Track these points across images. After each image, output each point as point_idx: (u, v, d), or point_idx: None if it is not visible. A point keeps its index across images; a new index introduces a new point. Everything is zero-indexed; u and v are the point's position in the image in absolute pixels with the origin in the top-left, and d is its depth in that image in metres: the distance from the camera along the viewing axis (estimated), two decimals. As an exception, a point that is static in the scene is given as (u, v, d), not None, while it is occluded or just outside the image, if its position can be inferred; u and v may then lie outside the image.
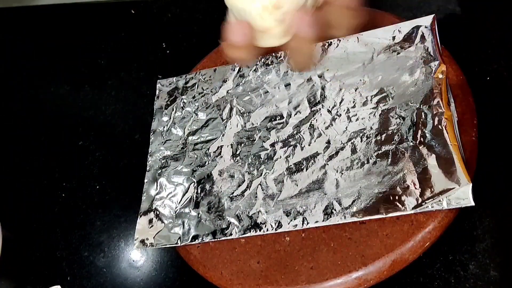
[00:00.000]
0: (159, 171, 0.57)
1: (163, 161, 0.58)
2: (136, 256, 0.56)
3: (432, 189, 0.44)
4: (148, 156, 0.59)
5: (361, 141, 0.50)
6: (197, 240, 0.51)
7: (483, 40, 0.55)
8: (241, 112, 0.58)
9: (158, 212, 0.54)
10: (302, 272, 0.45)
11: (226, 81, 0.61)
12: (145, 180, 0.57)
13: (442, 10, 0.58)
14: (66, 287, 0.56)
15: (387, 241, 0.44)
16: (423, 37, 0.52)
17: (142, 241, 0.53)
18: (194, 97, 0.62)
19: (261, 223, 0.49)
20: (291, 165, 0.51)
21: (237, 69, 0.61)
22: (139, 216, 0.55)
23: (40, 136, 0.70)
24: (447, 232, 0.44)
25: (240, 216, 0.50)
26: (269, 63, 0.59)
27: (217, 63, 0.63)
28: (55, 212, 0.62)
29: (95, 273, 0.56)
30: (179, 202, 0.54)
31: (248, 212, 0.50)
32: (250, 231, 0.49)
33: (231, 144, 0.56)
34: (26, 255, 0.59)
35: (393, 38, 0.54)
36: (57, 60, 0.79)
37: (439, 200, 0.43)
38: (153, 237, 0.53)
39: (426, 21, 0.53)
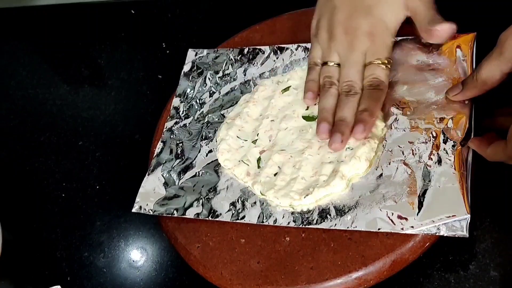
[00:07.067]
0: (172, 142, 0.58)
1: (177, 133, 0.58)
2: (136, 256, 0.56)
3: (430, 213, 0.43)
4: (169, 122, 0.59)
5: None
6: (191, 215, 0.51)
7: (483, 39, 0.55)
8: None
9: (163, 181, 0.55)
10: (302, 272, 0.45)
11: (255, 63, 0.61)
12: (158, 145, 0.58)
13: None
14: (66, 287, 0.56)
15: (387, 241, 0.44)
16: (458, 57, 0.50)
17: (141, 207, 0.53)
18: (220, 74, 0.62)
19: (256, 214, 0.49)
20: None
21: (267, 53, 0.61)
22: (146, 176, 0.55)
23: (40, 136, 0.70)
24: (447, 232, 0.44)
25: (237, 202, 0.51)
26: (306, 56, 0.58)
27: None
28: (55, 212, 0.62)
29: (95, 273, 0.56)
30: (185, 176, 0.54)
31: (247, 200, 0.50)
32: (243, 219, 0.49)
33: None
34: (26, 255, 0.59)
35: (429, 51, 0.52)
36: (57, 60, 0.79)
37: (435, 226, 0.42)
38: (153, 204, 0.53)
39: (465, 40, 0.51)
